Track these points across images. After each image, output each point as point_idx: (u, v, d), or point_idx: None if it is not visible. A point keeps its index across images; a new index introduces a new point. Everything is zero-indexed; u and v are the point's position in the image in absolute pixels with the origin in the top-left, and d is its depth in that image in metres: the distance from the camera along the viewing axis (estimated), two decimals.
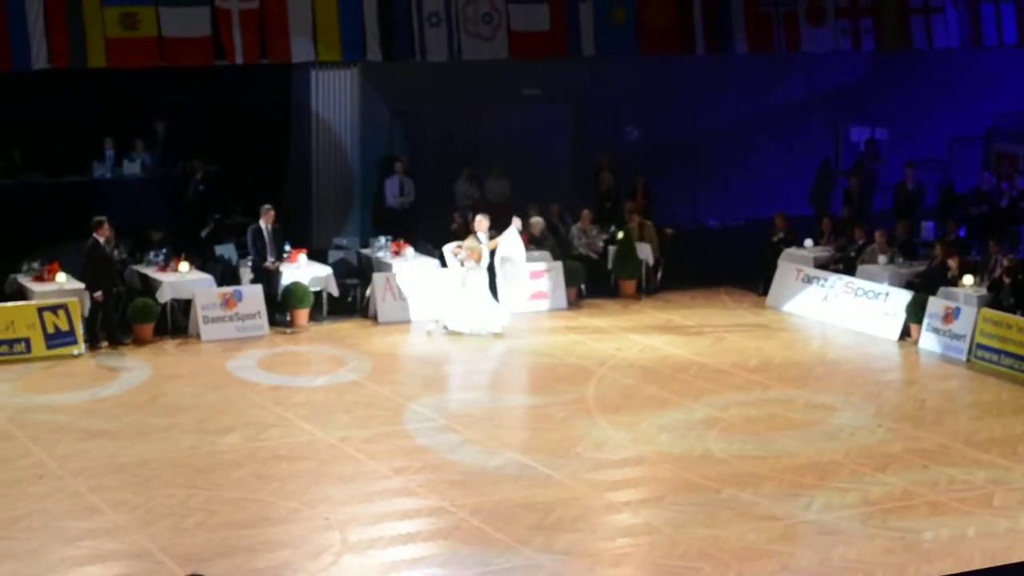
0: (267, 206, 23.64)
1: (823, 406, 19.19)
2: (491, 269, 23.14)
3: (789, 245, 25.73)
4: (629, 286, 25.78)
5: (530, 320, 23.84)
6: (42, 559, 13.95)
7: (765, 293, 25.38)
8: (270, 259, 23.47)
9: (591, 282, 25.63)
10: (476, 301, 22.77)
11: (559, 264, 24.97)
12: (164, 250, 23.73)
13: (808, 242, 25.69)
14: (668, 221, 27.17)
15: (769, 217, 26.89)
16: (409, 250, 24.80)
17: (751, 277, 26.02)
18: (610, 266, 25.96)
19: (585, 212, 26.70)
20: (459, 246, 23.08)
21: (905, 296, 22.97)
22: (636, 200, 27.67)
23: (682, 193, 30.27)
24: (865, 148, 31.80)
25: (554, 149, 30.15)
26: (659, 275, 26.27)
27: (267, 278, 23.35)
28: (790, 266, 25.03)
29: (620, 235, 25.88)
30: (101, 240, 22.05)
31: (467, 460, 16.84)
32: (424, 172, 28.02)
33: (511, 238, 23.09)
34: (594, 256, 26.07)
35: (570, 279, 24.96)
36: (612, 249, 26.00)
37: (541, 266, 24.79)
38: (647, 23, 27.30)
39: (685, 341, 22.61)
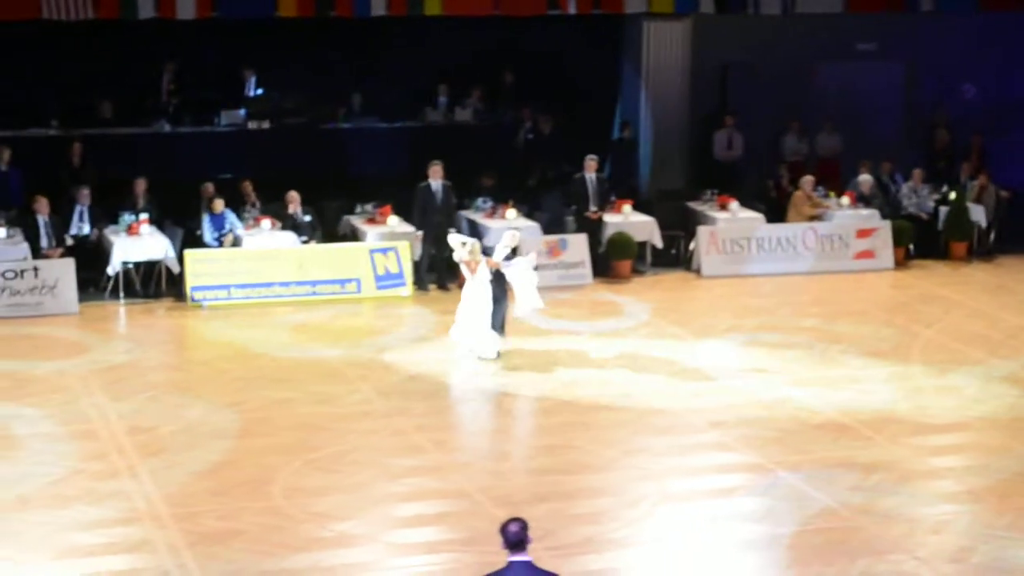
0: (591, 156, 23.82)
1: None
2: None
3: None
4: (960, 248, 25.09)
5: (855, 280, 23.46)
6: (367, 493, 14.35)
7: None
8: (593, 208, 23.62)
9: (920, 243, 25.04)
10: (472, 316, 19.06)
11: (887, 223, 24.47)
12: (491, 197, 24.16)
13: None
14: (1003, 183, 26.33)
15: None
16: (734, 204, 24.66)
17: None
18: (940, 227, 25.33)
19: (916, 171, 26.07)
20: (467, 248, 19.39)
21: None
22: (972, 160, 26.93)
23: (1019, 154, 29.32)
24: None
25: (887, 105, 29.49)
26: (992, 238, 25.54)
27: (591, 227, 23.51)
28: None
29: (953, 195, 25.24)
30: (433, 183, 22.48)
31: (786, 417, 16.68)
32: (752, 125, 27.76)
33: (518, 268, 19.32)
34: (924, 216, 25.46)
35: (898, 239, 24.44)
36: (944, 210, 25.36)
37: (869, 225, 24.37)
38: None
39: (1017, 306, 21.94)
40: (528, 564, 9.28)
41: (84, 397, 17.23)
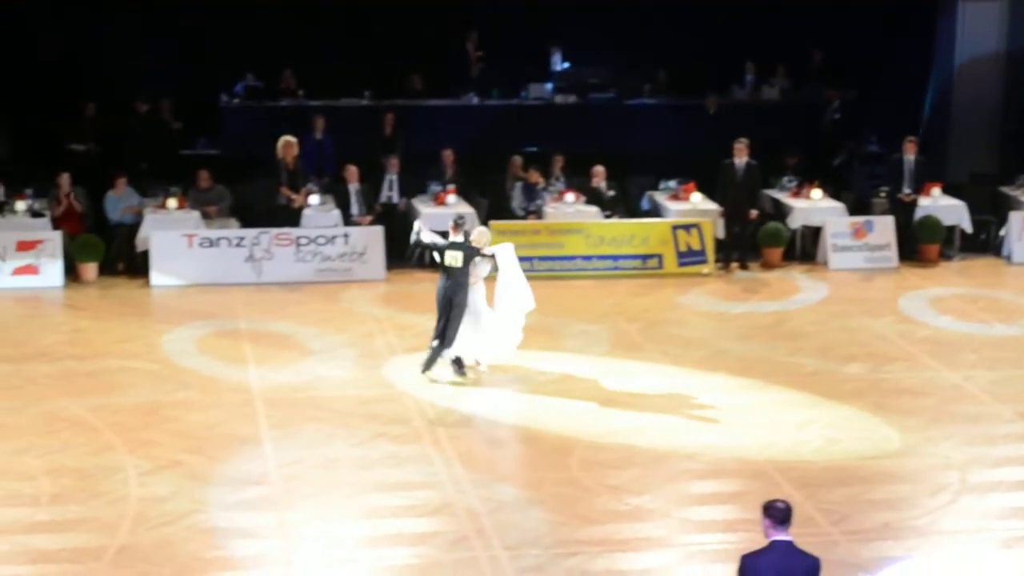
0: (910, 137, 23.35)
1: None
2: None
3: None
4: None
5: None
6: (663, 468, 14.35)
7: None
8: (906, 190, 23.15)
9: None
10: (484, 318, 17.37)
11: None
12: (796, 176, 23.93)
13: None
14: None
15: None
16: None
17: None
18: None
19: None
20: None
21: None
22: None
23: None
24: None
25: None
26: None
27: (901, 209, 23.06)
28: None
29: None
30: (738, 161, 22.33)
31: None
32: None
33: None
34: None
35: None
36: None
37: None
38: None
39: None
40: (790, 544, 9.18)
41: (389, 361, 17.64)
